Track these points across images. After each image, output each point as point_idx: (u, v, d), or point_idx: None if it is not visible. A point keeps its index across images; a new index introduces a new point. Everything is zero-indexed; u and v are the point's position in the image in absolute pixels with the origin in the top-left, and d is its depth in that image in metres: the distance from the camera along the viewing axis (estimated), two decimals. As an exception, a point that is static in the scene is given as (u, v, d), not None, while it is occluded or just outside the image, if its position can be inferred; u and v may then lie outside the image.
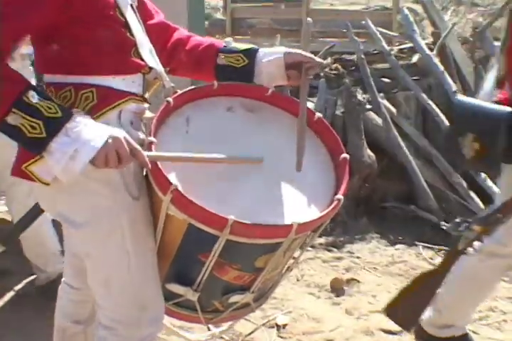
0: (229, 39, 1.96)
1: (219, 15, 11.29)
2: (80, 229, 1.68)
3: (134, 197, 1.67)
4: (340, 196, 1.65)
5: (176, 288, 1.73)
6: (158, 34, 1.87)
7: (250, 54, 1.85)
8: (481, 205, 3.82)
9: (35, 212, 2.24)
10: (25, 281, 3.12)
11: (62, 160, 1.45)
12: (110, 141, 1.47)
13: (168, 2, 3.75)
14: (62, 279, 2.03)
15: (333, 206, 1.63)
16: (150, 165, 1.54)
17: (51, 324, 2.05)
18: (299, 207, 1.65)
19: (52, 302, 2.05)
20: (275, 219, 1.58)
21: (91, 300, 1.88)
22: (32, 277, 3.09)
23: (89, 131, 1.47)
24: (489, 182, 3.83)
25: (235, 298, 1.75)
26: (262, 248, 1.62)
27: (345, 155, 1.74)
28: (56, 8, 1.51)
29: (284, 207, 1.64)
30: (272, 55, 1.83)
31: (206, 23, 7.66)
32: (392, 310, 2.25)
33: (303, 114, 1.75)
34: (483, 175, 3.85)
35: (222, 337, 2.68)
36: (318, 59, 1.83)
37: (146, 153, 1.53)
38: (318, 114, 1.83)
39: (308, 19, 1.87)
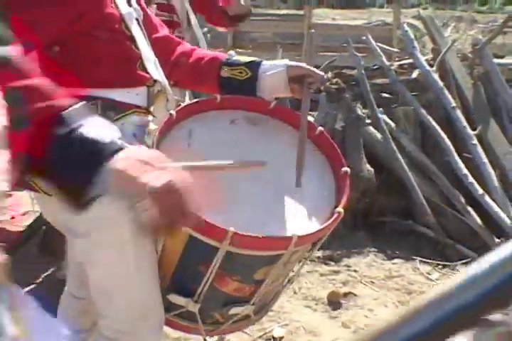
0: (232, 52, 1.99)
1: (221, 28, 11.36)
2: (82, 238, 1.69)
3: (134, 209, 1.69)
4: (340, 209, 1.66)
5: (176, 299, 1.74)
6: (163, 47, 1.89)
7: (253, 67, 1.87)
8: (478, 220, 3.84)
9: (41, 222, 2.24)
10: (26, 289, 3.13)
11: None
12: None
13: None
14: (65, 288, 2.04)
15: (333, 219, 1.64)
16: None
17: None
18: (299, 219, 1.67)
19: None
20: (275, 231, 1.60)
21: (93, 310, 1.89)
22: (29, 288, 3.10)
23: None
24: (487, 198, 3.85)
25: (235, 310, 1.75)
26: (261, 259, 1.63)
27: (346, 168, 1.75)
28: (65, 23, 1.53)
29: (284, 219, 1.65)
30: (275, 68, 1.85)
31: (208, 35, 7.71)
32: None
33: (303, 130, 1.76)
34: (480, 190, 3.87)
35: (218, 349, 2.69)
36: (320, 73, 1.84)
37: None
38: (320, 128, 1.85)
39: (312, 30, 1.88)
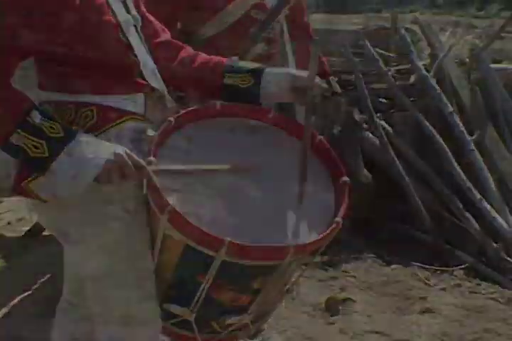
0: (235, 58, 1.97)
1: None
2: (77, 245, 1.69)
3: (130, 214, 1.68)
4: (339, 218, 1.65)
5: (173, 308, 1.73)
6: (164, 52, 1.88)
7: (256, 74, 1.85)
8: (476, 226, 3.83)
9: (39, 228, 2.22)
10: (20, 297, 3.11)
11: (65, 179, 1.46)
12: (113, 158, 1.48)
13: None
14: (62, 297, 2.02)
15: (331, 228, 1.63)
16: (154, 178, 1.55)
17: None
18: (297, 228, 1.65)
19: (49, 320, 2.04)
20: (273, 241, 1.59)
21: (90, 318, 1.87)
22: (27, 293, 3.09)
23: (91, 150, 1.48)
24: (485, 203, 3.84)
25: (233, 320, 1.74)
26: (258, 269, 1.62)
27: (345, 178, 1.74)
28: (61, 29, 1.53)
29: (283, 229, 1.64)
30: (278, 76, 1.83)
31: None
32: None
33: (306, 142, 1.74)
34: (478, 195, 3.87)
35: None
36: (324, 85, 1.82)
37: (149, 167, 1.54)
38: (320, 137, 1.84)
39: (315, 38, 1.84)
